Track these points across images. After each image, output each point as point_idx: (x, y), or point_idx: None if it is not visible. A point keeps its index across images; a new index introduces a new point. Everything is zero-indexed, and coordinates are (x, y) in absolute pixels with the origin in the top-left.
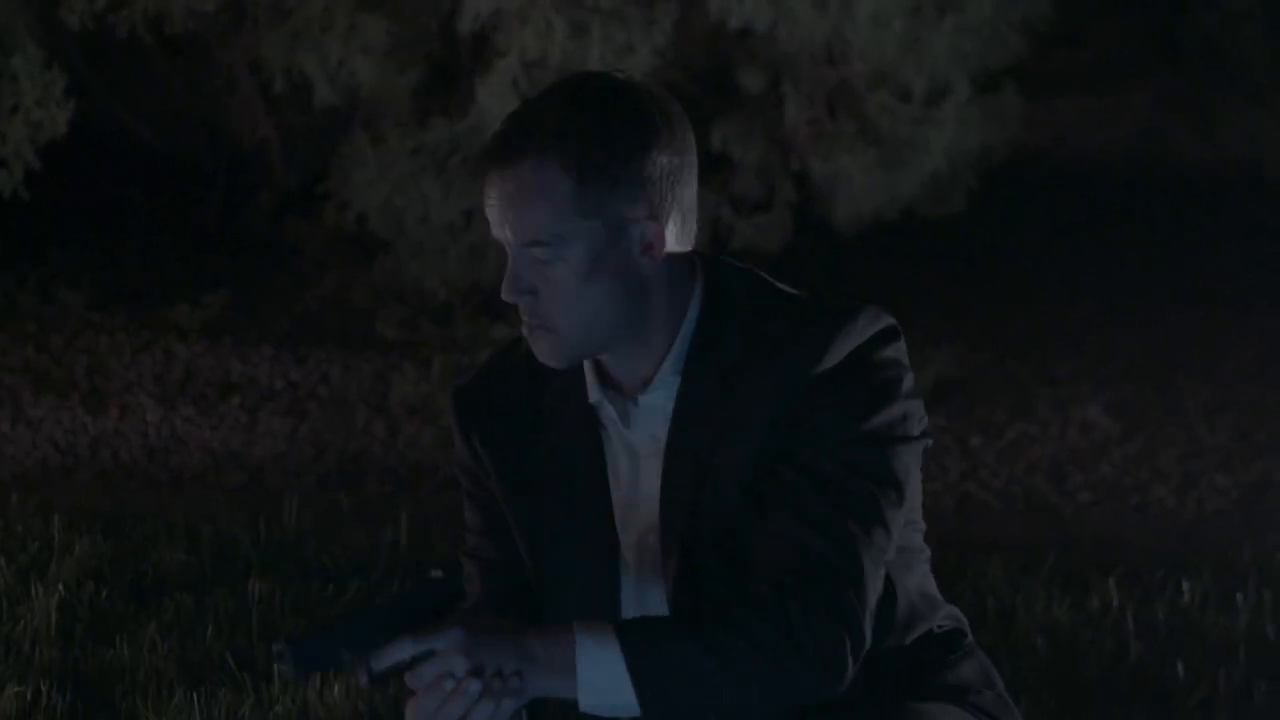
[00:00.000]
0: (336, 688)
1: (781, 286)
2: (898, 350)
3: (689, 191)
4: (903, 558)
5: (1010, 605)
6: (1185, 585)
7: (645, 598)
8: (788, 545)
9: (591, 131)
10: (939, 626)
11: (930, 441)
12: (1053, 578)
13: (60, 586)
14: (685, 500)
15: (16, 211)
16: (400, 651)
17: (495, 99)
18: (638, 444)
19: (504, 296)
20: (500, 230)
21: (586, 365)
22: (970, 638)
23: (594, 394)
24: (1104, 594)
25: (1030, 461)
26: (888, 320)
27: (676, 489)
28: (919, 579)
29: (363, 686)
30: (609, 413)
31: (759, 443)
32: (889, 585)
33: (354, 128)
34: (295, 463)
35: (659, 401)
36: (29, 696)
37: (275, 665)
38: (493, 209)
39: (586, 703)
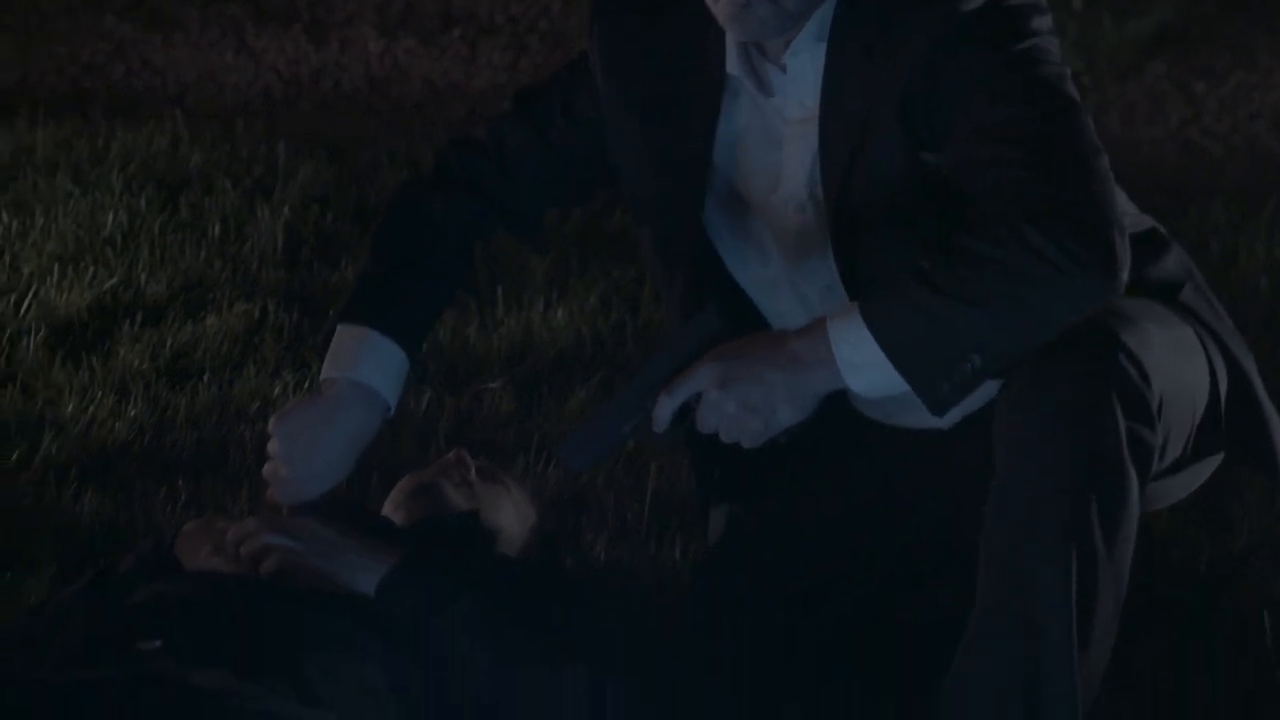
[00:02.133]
0: (560, 311)
1: None
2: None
3: None
4: None
5: (1233, 248)
6: None
7: (805, 285)
8: (990, 169)
9: None
10: (1134, 227)
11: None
12: (1275, 221)
13: (285, 209)
14: (843, 164)
15: None
16: (667, 410)
17: None
18: (785, 111)
19: None
20: None
21: (727, 36)
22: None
23: (733, 65)
24: None
25: (1252, 109)
26: None
27: (835, 153)
28: None
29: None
30: (747, 86)
31: (906, 88)
32: None
33: None
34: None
35: (805, 68)
36: (256, 314)
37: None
38: None
39: (856, 385)
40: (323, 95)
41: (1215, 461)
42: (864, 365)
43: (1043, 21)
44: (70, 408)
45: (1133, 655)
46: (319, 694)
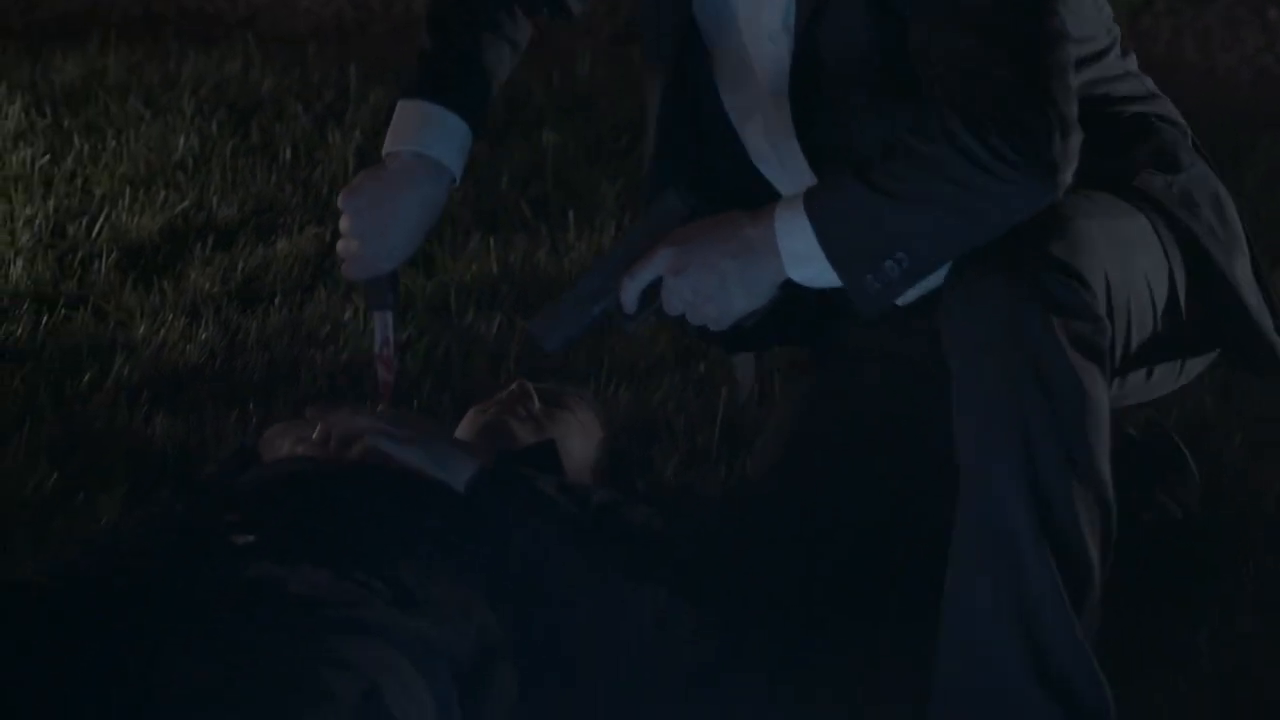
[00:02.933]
0: None
1: None
2: None
3: None
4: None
5: None
6: None
7: (774, 121)
8: (938, 58)
9: None
10: (1127, 109)
11: None
12: None
13: (357, 134)
14: (812, 5)
15: None
16: (631, 294)
17: None
18: None
19: None
20: None
21: None
22: (1172, 125)
23: None
24: None
25: None
26: None
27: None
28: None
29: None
30: None
31: None
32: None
33: None
34: (589, 20)
35: None
36: (327, 238)
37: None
38: None
39: (798, 276)
40: (394, 19)
41: (1206, 353)
42: (804, 257)
43: None
44: (142, 330)
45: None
46: (416, 597)
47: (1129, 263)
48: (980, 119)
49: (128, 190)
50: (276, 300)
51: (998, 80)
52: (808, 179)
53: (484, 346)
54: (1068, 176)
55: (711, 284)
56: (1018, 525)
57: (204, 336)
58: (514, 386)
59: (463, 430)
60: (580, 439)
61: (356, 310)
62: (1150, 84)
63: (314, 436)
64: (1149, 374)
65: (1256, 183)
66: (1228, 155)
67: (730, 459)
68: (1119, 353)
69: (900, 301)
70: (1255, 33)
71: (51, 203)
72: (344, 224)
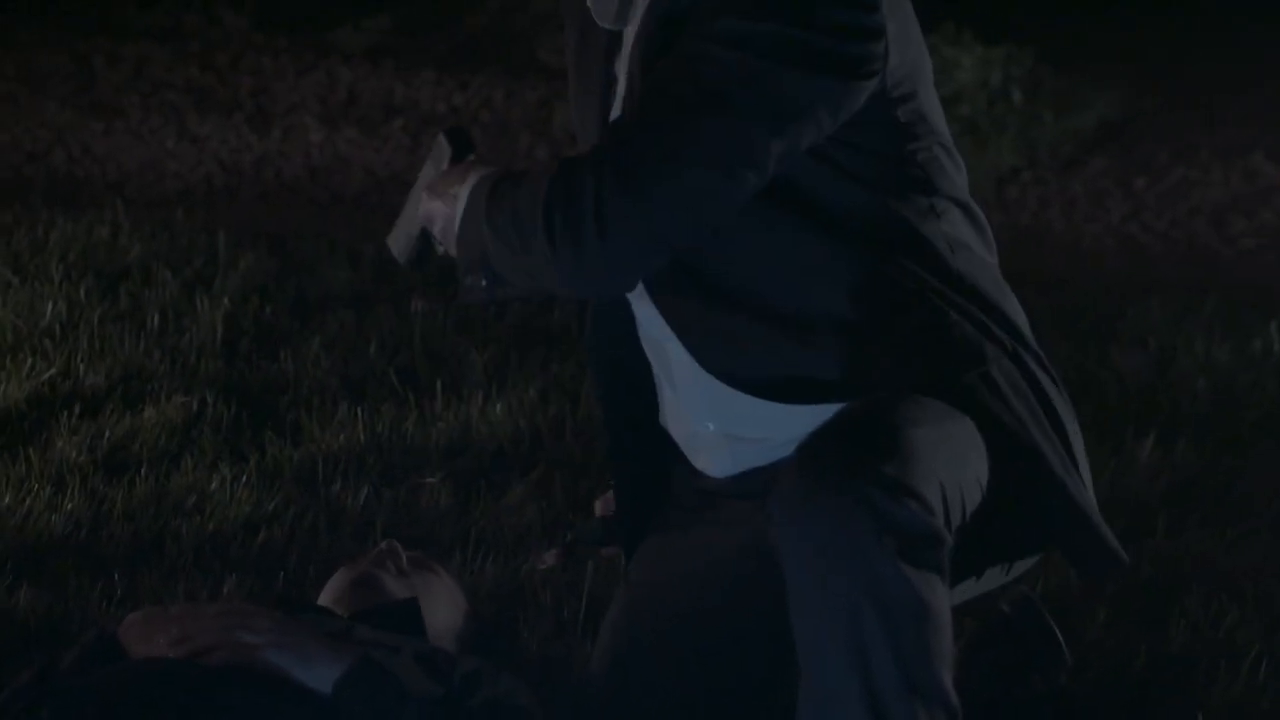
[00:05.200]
0: (499, 404)
1: None
2: None
3: None
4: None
5: (1171, 346)
6: None
7: None
8: (610, 129)
9: None
10: (905, 269)
11: (872, 84)
12: (1214, 320)
13: (225, 300)
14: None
15: None
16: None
17: None
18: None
19: None
20: None
21: None
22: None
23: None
24: (1265, 338)
25: (1192, 206)
26: None
27: (629, 78)
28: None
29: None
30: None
31: (660, 30)
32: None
33: None
34: None
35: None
36: (194, 407)
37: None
38: None
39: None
40: (264, 185)
41: (1036, 553)
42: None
43: (838, 13)
44: (7, 500)
45: None
46: None
47: (962, 467)
48: (573, 192)
49: None
50: (143, 469)
51: (614, 170)
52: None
53: (351, 517)
54: (617, 282)
55: (438, 229)
56: None
57: (69, 506)
58: (384, 545)
59: (332, 586)
60: (445, 602)
61: (223, 479)
62: (980, 249)
63: (178, 636)
64: (979, 575)
65: (1123, 352)
66: (1095, 325)
67: (597, 631)
68: (959, 555)
69: (717, 474)
70: (1120, 202)
71: None
72: None
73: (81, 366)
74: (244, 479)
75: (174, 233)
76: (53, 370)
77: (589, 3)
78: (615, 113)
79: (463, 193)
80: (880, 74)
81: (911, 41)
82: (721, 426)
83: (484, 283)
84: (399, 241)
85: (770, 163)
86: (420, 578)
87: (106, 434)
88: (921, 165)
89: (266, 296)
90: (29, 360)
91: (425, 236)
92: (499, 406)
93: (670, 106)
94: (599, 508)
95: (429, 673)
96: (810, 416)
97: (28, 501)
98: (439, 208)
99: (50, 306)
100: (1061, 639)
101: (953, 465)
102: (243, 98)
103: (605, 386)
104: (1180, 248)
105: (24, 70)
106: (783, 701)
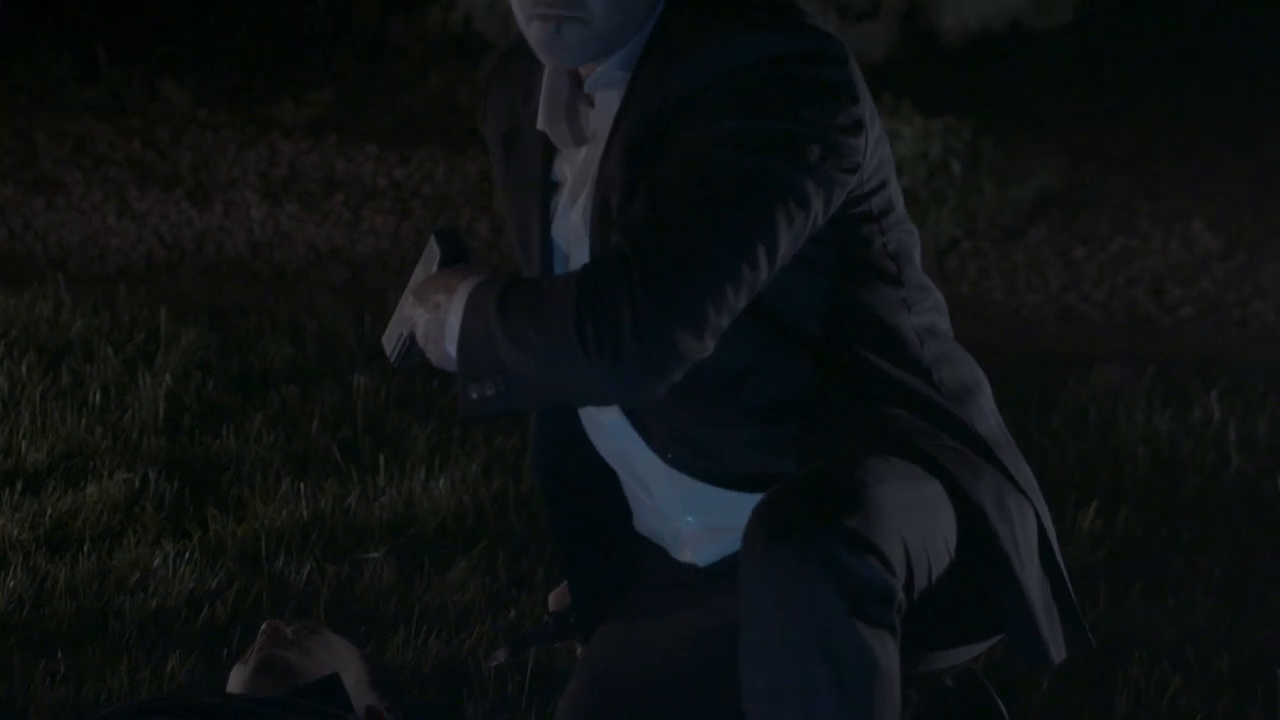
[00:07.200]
0: (442, 480)
1: None
2: (828, 74)
3: None
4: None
5: (1111, 415)
6: None
7: None
8: (621, 232)
9: None
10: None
11: (856, 177)
12: (1154, 390)
13: (167, 377)
14: (611, 195)
15: (122, 6)
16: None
17: None
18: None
19: None
20: None
21: (543, 90)
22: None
23: (542, 121)
24: (1205, 407)
25: (1131, 275)
26: (826, 43)
27: (607, 180)
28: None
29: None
30: (560, 133)
31: (649, 132)
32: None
33: None
34: (398, 260)
35: (610, 100)
36: (136, 483)
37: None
38: None
39: (451, 350)
40: (205, 260)
41: (989, 637)
42: (452, 339)
43: (831, 110)
44: None
45: None
46: None
47: (929, 525)
48: (599, 300)
49: None
50: (85, 547)
51: (633, 273)
52: None
53: (294, 593)
54: (646, 387)
55: (422, 332)
56: None
57: (11, 584)
58: (264, 627)
59: (235, 682)
60: (345, 655)
61: (166, 556)
62: (944, 328)
63: None
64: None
65: (1063, 422)
66: (1034, 394)
67: (540, 707)
68: (919, 612)
69: (702, 563)
70: (1060, 271)
71: None
72: None
73: (23, 443)
74: (187, 556)
75: (115, 309)
76: None
77: (548, 131)
78: (572, 214)
79: (449, 302)
80: (862, 166)
81: (880, 131)
82: (702, 520)
83: (492, 392)
84: (390, 340)
85: (782, 252)
86: (314, 642)
87: (49, 511)
88: (893, 256)
89: (209, 372)
90: None
91: (414, 338)
92: (442, 482)
93: (686, 207)
94: (553, 601)
95: None
96: None
97: None
98: (421, 314)
99: None
100: (1005, 712)
101: (920, 525)
102: (184, 173)
103: (553, 497)
104: (1119, 317)
105: None
106: None
